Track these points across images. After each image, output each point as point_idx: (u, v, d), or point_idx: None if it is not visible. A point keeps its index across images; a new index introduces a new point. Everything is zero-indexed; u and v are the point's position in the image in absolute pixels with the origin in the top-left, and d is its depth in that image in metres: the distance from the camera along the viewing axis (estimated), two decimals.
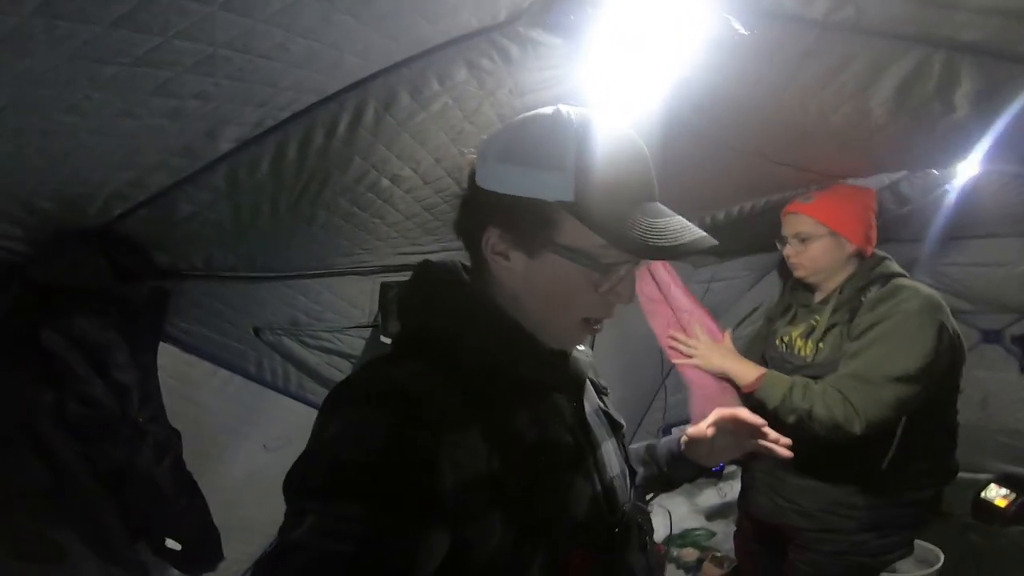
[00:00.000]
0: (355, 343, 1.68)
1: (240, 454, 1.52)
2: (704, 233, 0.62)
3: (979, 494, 2.52)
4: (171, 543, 1.20)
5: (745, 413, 0.85)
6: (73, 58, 0.53)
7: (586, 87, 1.02)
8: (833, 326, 1.41)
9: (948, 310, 1.36)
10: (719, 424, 0.86)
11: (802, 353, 1.46)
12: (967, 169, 1.67)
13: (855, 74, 0.88)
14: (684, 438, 0.90)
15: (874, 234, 1.49)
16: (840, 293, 1.43)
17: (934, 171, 1.73)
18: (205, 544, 1.26)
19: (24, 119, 0.61)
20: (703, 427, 0.87)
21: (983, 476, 2.62)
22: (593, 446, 0.72)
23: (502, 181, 0.61)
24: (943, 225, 2.00)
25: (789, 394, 1.30)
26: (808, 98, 1.00)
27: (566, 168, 0.59)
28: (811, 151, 1.35)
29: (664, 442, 0.94)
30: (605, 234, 0.59)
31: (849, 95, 0.95)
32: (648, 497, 1.00)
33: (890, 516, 1.38)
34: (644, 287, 1.60)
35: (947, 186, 1.84)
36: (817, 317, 1.47)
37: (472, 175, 0.65)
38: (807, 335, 1.47)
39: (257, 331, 1.51)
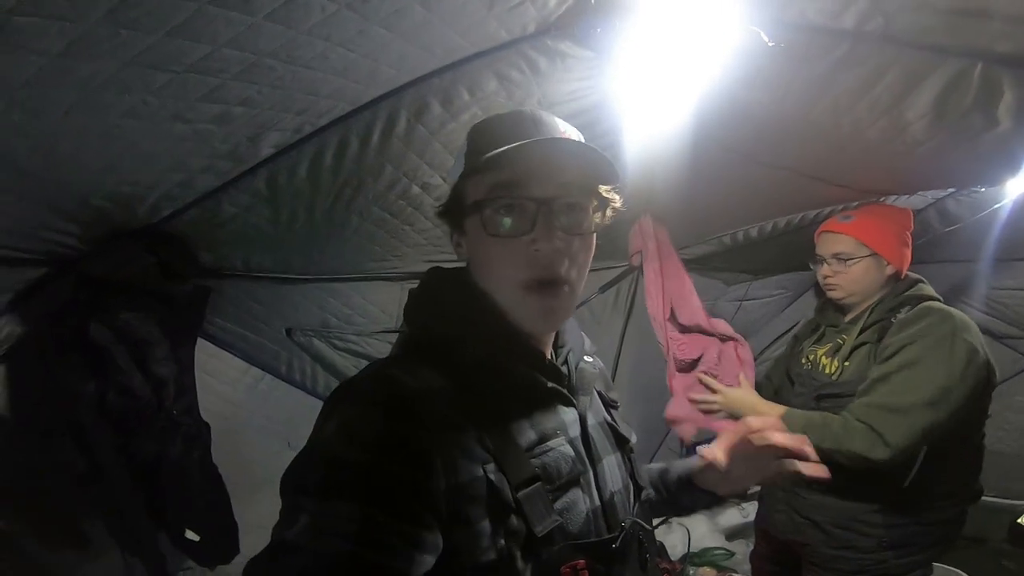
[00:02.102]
0: (382, 347, 1.71)
1: (265, 451, 1.55)
2: (586, 147, 0.61)
3: (1016, 520, 2.41)
4: (190, 534, 1.23)
5: (774, 435, 0.76)
6: (132, 64, 0.58)
7: (613, 99, 1.03)
8: (861, 345, 1.40)
9: (979, 333, 1.34)
10: (735, 451, 0.79)
11: (827, 371, 1.45)
12: (1016, 187, 1.59)
13: (889, 86, 0.86)
14: (696, 467, 0.84)
15: (909, 255, 1.47)
16: (870, 314, 1.42)
17: (981, 189, 1.66)
18: (223, 537, 1.29)
19: (86, 122, 0.66)
20: (716, 453, 0.79)
21: (1021, 503, 2.50)
22: (594, 459, 0.71)
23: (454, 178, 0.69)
24: (991, 246, 1.92)
25: (807, 436, 1.30)
26: (841, 111, 0.98)
27: (461, 150, 0.67)
28: (848, 166, 1.32)
29: (677, 466, 0.89)
30: (484, 166, 0.61)
31: (884, 108, 0.93)
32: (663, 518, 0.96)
33: (910, 535, 1.35)
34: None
35: (996, 205, 1.75)
36: (844, 336, 1.46)
37: None
38: (833, 353, 1.47)
39: (289, 332, 1.56)
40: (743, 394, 1.48)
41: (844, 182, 1.40)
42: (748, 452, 0.77)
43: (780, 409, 1.39)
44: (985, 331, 2.44)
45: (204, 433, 1.30)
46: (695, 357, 1.58)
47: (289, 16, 0.60)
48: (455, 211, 0.67)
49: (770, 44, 0.72)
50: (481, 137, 0.65)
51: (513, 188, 0.62)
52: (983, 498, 1.45)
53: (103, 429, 1.11)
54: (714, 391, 1.51)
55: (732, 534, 2.56)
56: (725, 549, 2.45)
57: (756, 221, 1.89)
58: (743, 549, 2.41)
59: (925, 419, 1.23)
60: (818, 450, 1.25)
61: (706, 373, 1.55)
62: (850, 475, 1.29)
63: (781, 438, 0.76)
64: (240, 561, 1.34)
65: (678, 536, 2.37)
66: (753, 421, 0.78)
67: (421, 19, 0.70)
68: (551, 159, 0.61)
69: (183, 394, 1.25)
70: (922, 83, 0.85)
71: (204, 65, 0.62)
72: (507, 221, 0.62)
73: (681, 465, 0.89)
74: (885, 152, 1.12)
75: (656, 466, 0.94)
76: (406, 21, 0.70)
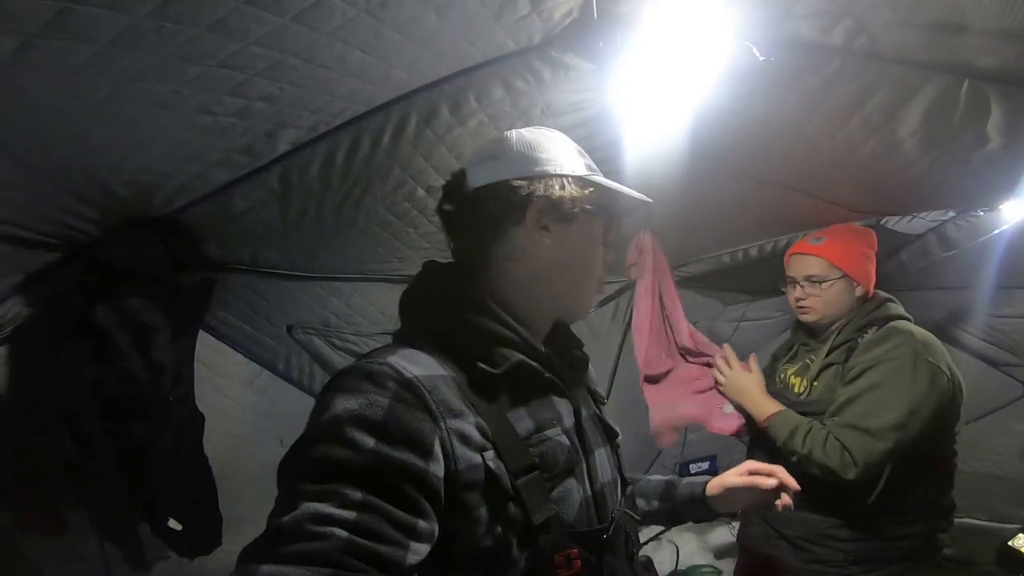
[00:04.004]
0: None
1: (257, 447, 1.56)
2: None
3: (1006, 543, 2.39)
4: (173, 523, 1.22)
5: (782, 472, 0.91)
6: (169, 56, 0.62)
7: (614, 112, 1.08)
8: (829, 366, 1.43)
9: (943, 351, 1.37)
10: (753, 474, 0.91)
11: (796, 391, 1.49)
12: (1016, 212, 1.57)
13: (880, 104, 0.90)
14: (711, 488, 0.91)
15: (875, 273, 1.51)
16: (838, 334, 1.45)
17: (981, 213, 1.67)
18: (206, 528, 1.28)
19: (119, 109, 0.70)
20: (740, 480, 0.90)
21: (1011, 526, 2.47)
22: (587, 450, 0.73)
23: (534, 164, 0.73)
24: (990, 273, 1.90)
25: (791, 437, 1.35)
26: (834, 128, 1.02)
27: (572, 152, 0.76)
28: (843, 185, 1.36)
29: (686, 483, 0.94)
30: (600, 186, 0.75)
31: (876, 125, 0.97)
32: (658, 532, 1.01)
33: (877, 550, 1.37)
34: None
35: (995, 231, 1.74)
36: (813, 356, 1.50)
37: (458, 187, 0.75)
38: (802, 373, 1.50)
39: (290, 329, 1.58)
40: (747, 382, 1.49)
41: (840, 201, 1.43)
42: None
43: (777, 406, 1.42)
44: (984, 359, 2.49)
45: (198, 423, 1.31)
46: (663, 372, 1.61)
47: (314, 18, 0.65)
48: (567, 200, 0.72)
49: (761, 59, 0.77)
50: (579, 155, 0.77)
51: (613, 213, 0.79)
52: (973, 520, 1.43)
53: (97, 412, 1.12)
54: (722, 372, 1.52)
55: (721, 552, 2.54)
56: (713, 567, 2.44)
57: (754, 240, 1.93)
58: (731, 567, 2.39)
59: (892, 441, 1.26)
60: (798, 455, 1.33)
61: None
62: (819, 490, 1.33)
63: (788, 480, 0.92)
64: (220, 555, 1.34)
65: (667, 553, 2.36)
66: (771, 468, 0.92)
67: (433, 26, 0.75)
68: (631, 202, 0.80)
69: (180, 383, 1.27)
70: (911, 100, 0.88)
71: (234, 60, 0.66)
72: (607, 234, 0.79)
73: (688, 484, 0.95)
74: (880, 171, 1.15)
75: (657, 479, 0.99)
76: (420, 27, 0.74)
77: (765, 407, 1.43)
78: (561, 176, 0.73)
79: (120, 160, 0.85)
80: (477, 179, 0.73)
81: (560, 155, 0.74)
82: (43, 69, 0.58)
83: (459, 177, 0.76)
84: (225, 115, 0.78)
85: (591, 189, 0.74)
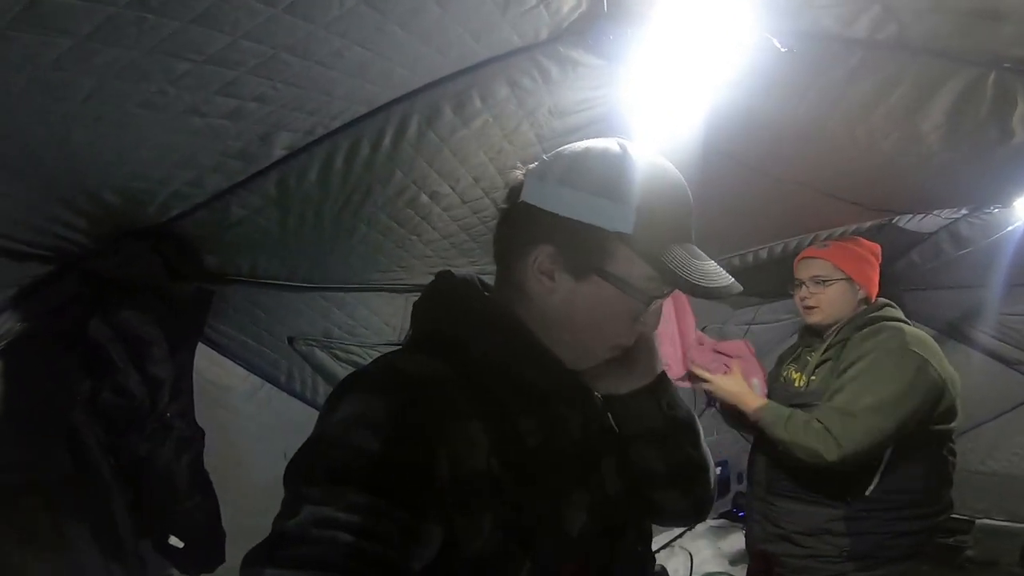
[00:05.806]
0: None
1: (260, 461, 1.53)
2: (733, 279, 0.65)
3: None
4: (174, 540, 1.20)
5: None
6: (153, 52, 0.58)
7: (625, 109, 1.04)
8: (825, 361, 1.55)
9: (936, 348, 1.45)
10: None
11: (796, 385, 1.61)
12: None
13: (903, 96, 0.87)
14: None
15: (877, 281, 1.62)
16: (837, 333, 1.57)
17: (995, 209, 1.68)
18: (209, 545, 1.25)
19: (103, 109, 0.67)
20: None
21: None
22: (596, 461, 0.71)
23: (563, 203, 0.62)
24: (1003, 271, 1.93)
25: (773, 427, 1.44)
26: (855, 122, 0.99)
27: (629, 201, 0.61)
28: (862, 181, 1.34)
29: None
30: (658, 268, 0.62)
31: (898, 119, 0.94)
32: (671, 539, 0.96)
33: (874, 546, 1.41)
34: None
35: (1008, 228, 1.77)
36: (812, 354, 1.62)
37: (516, 191, 0.67)
38: (801, 369, 1.64)
39: (291, 340, 1.55)
40: (730, 383, 1.58)
41: (858, 199, 1.42)
42: None
43: (762, 401, 1.51)
44: (997, 357, 2.46)
45: (197, 438, 1.28)
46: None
47: (309, 9, 0.61)
48: (582, 256, 0.62)
49: (783, 50, 0.73)
50: (661, 221, 0.62)
51: (667, 295, 0.66)
52: (993, 521, 1.47)
53: (95, 428, 1.09)
54: (706, 380, 1.61)
55: (736, 559, 2.49)
56: (728, 574, 2.39)
57: (768, 241, 1.89)
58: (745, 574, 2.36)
59: (872, 423, 1.33)
60: (783, 442, 1.39)
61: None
62: (816, 483, 1.43)
63: None
64: (225, 571, 1.30)
65: (680, 560, 2.32)
66: None
67: (436, 19, 0.71)
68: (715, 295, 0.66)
69: (178, 397, 1.23)
70: (936, 93, 0.85)
71: (223, 56, 0.62)
72: (648, 312, 0.66)
73: None
74: (900, 166, 1.13)
75: None
76: (422, 20, 0.71)
77: (751, 401, 1.50)
78: (588, 226, 0.60)
79: (108, 166, 0.82)
80: (525, 190, 0.66)
81: (617, 202, 0.60)
82: (19, 65, 0.55)
83: (521, 182, 0.67)
84: (216, 117, 0.75)
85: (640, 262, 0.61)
